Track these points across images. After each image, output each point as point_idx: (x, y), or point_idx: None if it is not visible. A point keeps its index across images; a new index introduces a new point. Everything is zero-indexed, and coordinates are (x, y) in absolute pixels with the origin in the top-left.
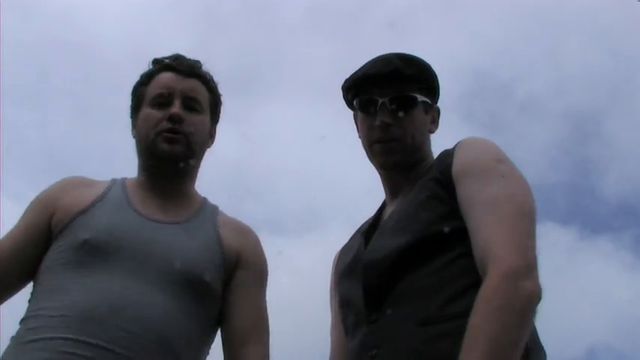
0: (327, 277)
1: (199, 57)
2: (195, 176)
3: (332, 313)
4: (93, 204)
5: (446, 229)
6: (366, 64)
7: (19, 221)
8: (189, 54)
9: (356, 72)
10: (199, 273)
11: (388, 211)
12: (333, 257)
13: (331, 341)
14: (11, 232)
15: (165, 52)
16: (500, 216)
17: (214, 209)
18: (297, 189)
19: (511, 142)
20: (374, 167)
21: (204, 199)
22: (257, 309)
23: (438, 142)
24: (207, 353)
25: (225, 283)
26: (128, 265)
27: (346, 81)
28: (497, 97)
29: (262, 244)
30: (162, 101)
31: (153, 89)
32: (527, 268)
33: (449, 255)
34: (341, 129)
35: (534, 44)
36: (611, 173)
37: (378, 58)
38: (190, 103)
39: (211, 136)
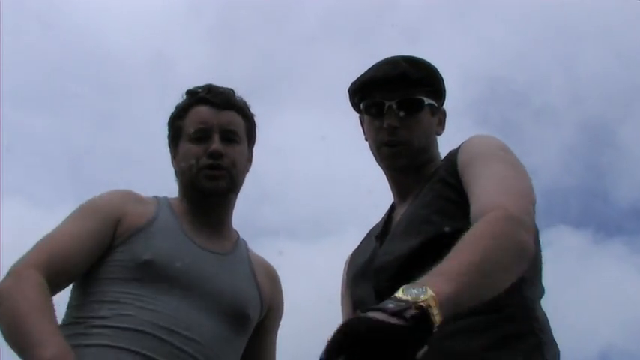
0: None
1: (216, 65)
2: (234, 205)
3: (343, 317)
4: (150, 223)
5: (464, 226)
6: (373, 66)
7: (74, 226)
8: (207, 63)
9: (362, 75)
10: (244, 307)
11: (398, 213)
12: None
13: None
14: (80, 227)
15: (184, 61)
16: (505, 187)
17: (245, 243)
18: (313, 195)
19: (525, 147)
20: (381, 170)
21: (237, 232)
22: (273, 353)
23: (452, 146)
24: None
25: (257, 323)
26: (184, 291)
27: (353, 84)
28: (511, 103)
29: (280, 249)
30: (201, 136)
31: (190, 124)
32: (528, 224)
33: None
34: (354, 136)
35: (549, 51)
36: (624, 178)
37: (384, 60)
38: (228, 136)
39: (249, 160)
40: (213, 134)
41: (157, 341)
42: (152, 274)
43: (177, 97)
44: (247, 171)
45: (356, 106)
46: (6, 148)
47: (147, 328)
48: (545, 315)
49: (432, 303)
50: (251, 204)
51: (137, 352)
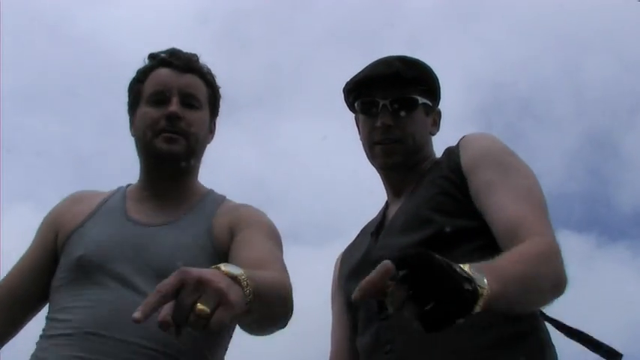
0: None
1: (225, 75)
2: (197, 172)
3: (333, 316)
4: (88, 218)
5: (464, 224)
6: (368, 66)
7: (32, 241)
8: (217, 71)
9: (357, 74)
10: (175, 266)
11: (393, 210)
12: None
13: (332, 343)
14: (26, 252)
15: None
16: (531, 200)
17: (218, 200)
18: (317, 199)
19: (529, 153)
20: (374, 168)
21: (209, 192)
22: (267, 247)
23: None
24: (225, 348)
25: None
26: (120, 276)
27: (347, 83)
28: (515, 110)
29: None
30: (160, 98)
31: (149, 86)
32: (562, 254)
33: (466, 247)
34: (357, 139)
35: (553, 58)
36: (627, 183)
37: (379, 60)
38: (188, 100)
39: (211, 131)
40: (172, 97)
41: (97, 340)
42: (86, 269)
43: None
44: (208, 141)
45: (351, 105)
46: (6, 150)
47: (86, 329)
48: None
49: (485, 293)
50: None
51: (76, 357)
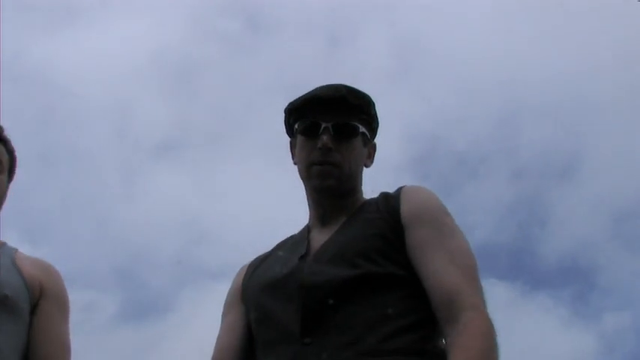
0: None
1: (173, 117)
2: None
3: (224, 324)
4: None
5: (397, 271)
6: (315, 88)
7: None
8: (167, 114)
9: (303, 95)
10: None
11: (319, 237)
12: None
13: (215, 351)
14: None
15: (144, 114)
16: (465, 269)
17: (13, 249)
18: (250, 240)
19: (461, 206)
20: (305, 192)
21: (4, 243)
22: (63, 340)
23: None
24: None
25: (32, 308)
26: None
27: (291, 103)
28: (450, 163)
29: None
30: None
31: None
32: (494, 328)
33: (398, 293)
34: (294, 189)
35: (491, 117)
36: (552, 238)
37: (326, 85)
38: None
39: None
40: None
41: None
42: None
43: (132, 142)
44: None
45: (290, 127)
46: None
47: None
48: None
49: None
50: (191, 244)
51: None
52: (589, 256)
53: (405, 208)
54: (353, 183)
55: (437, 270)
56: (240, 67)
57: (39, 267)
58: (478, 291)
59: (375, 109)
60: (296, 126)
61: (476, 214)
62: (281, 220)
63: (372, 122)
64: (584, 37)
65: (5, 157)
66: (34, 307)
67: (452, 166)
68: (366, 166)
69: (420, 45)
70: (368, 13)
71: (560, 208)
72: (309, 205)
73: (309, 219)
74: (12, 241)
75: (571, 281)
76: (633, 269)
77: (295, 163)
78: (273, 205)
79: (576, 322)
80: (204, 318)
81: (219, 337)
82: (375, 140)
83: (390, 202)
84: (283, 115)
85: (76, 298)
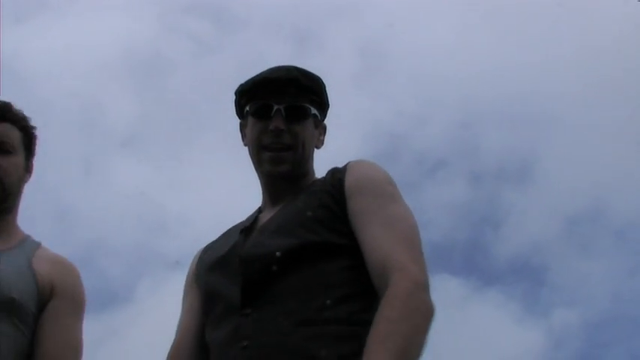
0: None
1: (141, 110)
2: (17, 212)
3: (183, 309)
4: None
5: (339, 240)
6: (266, 70)
7: None
8: (133, 109)
9: (254, 77)
10: (6, 292)
11: (267, 215)
12: None
13: (177, 332)
14: None
15: (109, 108)
16: (400, 234)
17: (35, 245)
18: (212, 230)
19: (419, 203)
20: (256, 173)
21: (27, 237)
22: (70, 339)
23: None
24: None
25: (40, 310)
26: None
27: (242, 85)
28: (410, 161)
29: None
30: None
31: None
32: (429, 286)
33: (339, 263)
34: (255, 182)
35: (450, 116)
36: (505, 237)
37: (277, 67)
38: (2, 147)
39: (28, 170)
40: None
41: None
42: None
43: (96, 134)
44: (26, 180)
45: (241, 108)
46: None
47: None
48: None
49: None
50: (151, 233)
51: None
52: (541, 256)
53: (349, 179)
54: (305, 165)
55: (373, 235)
56: (207, 65)
57: (56, 266)
58: (410, 251)
59: (325, 91)
60: (247, 108)
61: (433, 213)
62: (241, 212)
63: (322, 104)
64: (543, 42)
65: (14, 135)
66: (43, 307)
67: (412, 165)
68: (317, 148)
69: (385, 47)
70: (334, 15)
71: (515, 210)
72: (261, 186)
73: (262, 200)
74: None
75: (522, 278)
76: (582, 269)
77: (245, 145)
78: (234, 197)
79: (526, 318)
80: (164, 307)
81: (179, 320)
82: (325, 122)
83: (335, 175)
84: (234, 96)
85: None
